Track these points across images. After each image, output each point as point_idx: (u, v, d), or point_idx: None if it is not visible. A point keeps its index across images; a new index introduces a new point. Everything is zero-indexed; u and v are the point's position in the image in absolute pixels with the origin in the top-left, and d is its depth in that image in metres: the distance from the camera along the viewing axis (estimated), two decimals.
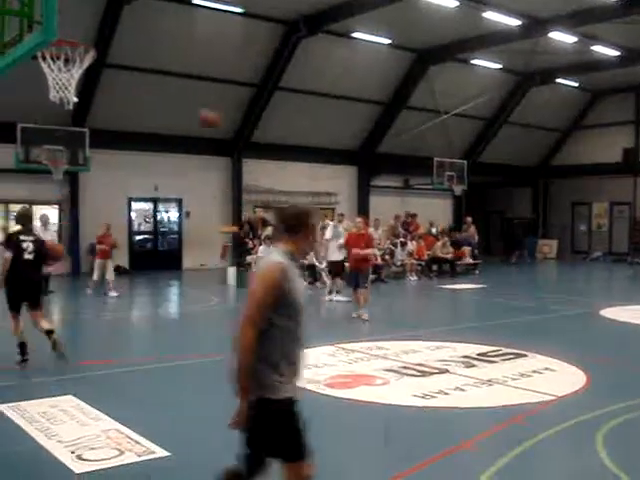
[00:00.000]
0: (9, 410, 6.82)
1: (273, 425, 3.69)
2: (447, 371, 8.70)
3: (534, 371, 8.70)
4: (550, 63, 26.33)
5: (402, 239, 22.57)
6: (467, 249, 24.20)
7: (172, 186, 23.91)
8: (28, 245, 8.90)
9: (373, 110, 27.14)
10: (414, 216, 25.57)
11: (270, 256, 3.81)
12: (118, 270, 19.97)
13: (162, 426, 6.43)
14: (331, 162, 27.45)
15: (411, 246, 22.77)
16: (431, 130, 27.46)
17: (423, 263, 22.83)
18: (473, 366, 9.00)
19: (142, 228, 24.86)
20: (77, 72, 12.39)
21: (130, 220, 24.11)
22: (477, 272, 23.75)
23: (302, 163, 26.54)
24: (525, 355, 9.58)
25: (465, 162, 28.88)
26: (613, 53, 24.26)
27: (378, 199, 28.60)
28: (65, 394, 7.37)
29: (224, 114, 23.63)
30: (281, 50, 22.57)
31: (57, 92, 12.29)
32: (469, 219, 25.83)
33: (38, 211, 20.52)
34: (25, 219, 9.30)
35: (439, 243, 23.45)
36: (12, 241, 8.96)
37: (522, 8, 20.49)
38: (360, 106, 26.43)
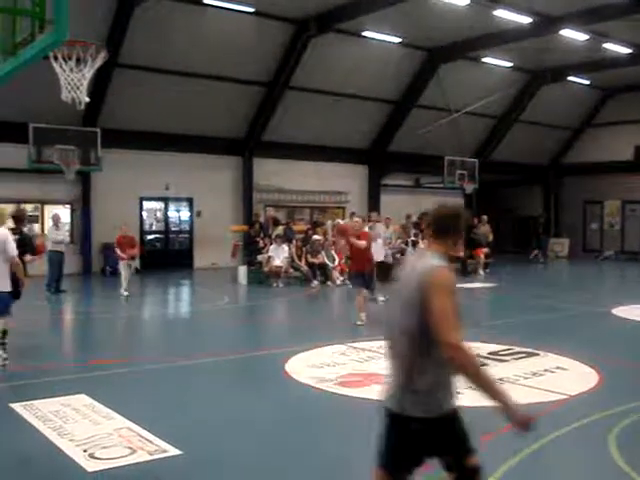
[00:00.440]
0: (22, 409, 6.85)
1: (448, 437, 3.58)
2: None
3: (546, 370, 8.67)
4: (561, 61, 26.22)
5: (413, 238, 22.53)
6: (484, 250, 24.02)
7: (183, 185, 23.96)
8: None
9: (384, 109, 27.11)
10: (425, 215, 25.51)
11: (425, 260, 3.54)
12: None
13: (174, 425, 6.45)
14: (342, 161, 27.43)
15: (422, 245, 22.71)
16: (442, 129, 27.38)
17: None
18: (484, 365, 8.96)
19: (153, 227, 24.94)
20: (89, 72, 12.44)
21: (141, 219, 24.19)
22: (488, 271, 23.68)
23: (313, 162, 26.52)
24: (537, 354, 9.55)
25: (476, 160, 28.79)
26: (624, 51, 24.12)
27: (389, 198, 28.56)
28: (77, 393, 7.40)
29: (234, 114, 23.87)
30: (291, 49, 22.57)
31: (69, 92, 12.35)
32: (484, 217, 25.74)
33: (50, 211, 20.74)
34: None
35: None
36: None
37: (533, 6, 20.40)
38: (370, 105, 26.41)
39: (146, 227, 24.59)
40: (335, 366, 8.90)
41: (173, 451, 5.66)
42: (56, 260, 17.02)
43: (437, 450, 3.57)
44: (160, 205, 25.00)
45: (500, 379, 8.14)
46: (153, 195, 24.23)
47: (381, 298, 15.76)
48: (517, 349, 9.88)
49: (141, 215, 24.19)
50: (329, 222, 22.77)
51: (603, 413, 6.71)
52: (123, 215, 20.61)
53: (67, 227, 21.47)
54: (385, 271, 16.05)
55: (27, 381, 8.25)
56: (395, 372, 3.56)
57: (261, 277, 19.54)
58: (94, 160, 20.73)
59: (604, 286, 22.96)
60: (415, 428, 3.46)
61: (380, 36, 23.07)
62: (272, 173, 25.69)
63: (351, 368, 8.80)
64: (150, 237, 24.77)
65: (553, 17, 21.09)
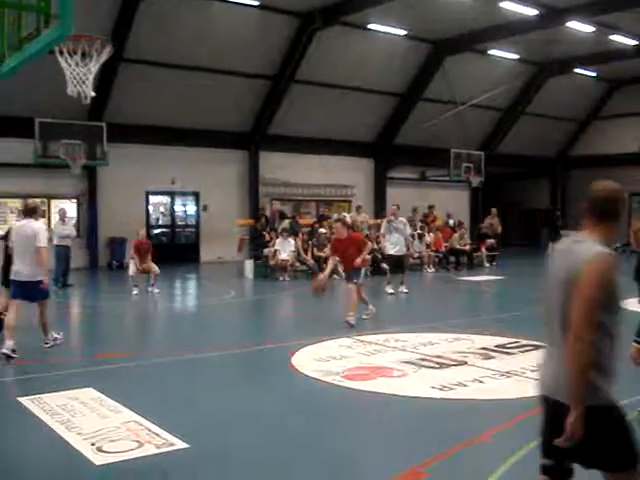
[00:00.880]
0: (30, 403, 6.88)
1: (605, 433, 3.30)
2: (465, 363, 8.68)
3: None
4: (568, 53, 26.15)
5: (419, 231, 22.51)
6: (488, 242, 24.03)
7: (189, 179, 23.99)
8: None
9: (389, 102, 27.06)
10: (431, 208, 25.52)
11: (585, 245, 3.34)
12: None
13: (181, 418, 6.46)
14: (347, 154, 27.41)
15: (428, 238, 22.72)
16: (448, 121, 27.33)
17: (441, 255, 22.79)
18: (491, 358, 8.97)
19: (160, 222, 24.98)
20: (94, 66, 12.44)
21: (148, 214, 24.23)
22: (495, 264, 23.66)
23: (318, 155, 26.51)
24: (543, 346, 9.52)
25: (482, 153, 28.73)
26: (631, 42, 24.03)
27: (395, 191, 28.51)
28: (85, 386, 7.42)
29: (240, 108, 23.85)
30: (297, 42, 22.55)
31: (74, 86, 12.35)
32: (494, 210, 25.72)
33: (56, 205, 20.76)
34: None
35: (456, 235, 23.37)
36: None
37: None
38: (376, 98, 26.37)
39: (152, 221, 24.63)
40: (341, 359, 8.90)
41: (180, 444, 5.68)
42: (63, 254, 17.07)
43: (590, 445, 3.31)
44: (166, 199, 25.03)
45: (507, 372, 8.15)
46: (159, 189, 24.26)
47: (390, 290, 15.80)
48: (524, 342, 9.85)
49: (147, 209, 24.22)
50: (335, 215, 22.75)
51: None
52: (129, 209, 20.69)
53: (73, 222, 21.53)
54: (401, 262, 16.12)
55: (35, 375, 8.27)
56: (555, 359, 3.45)
57: (267, 271, 19.56)
58: (100, 155, 20.79)
59: None
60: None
61: (385, 29, 23.03)
62: (278, 167, 25.69)
63: (357, 361, 8.79)
64: (156, 231, 24.81)
65: (559, 9, 21.02)
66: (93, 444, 5.69)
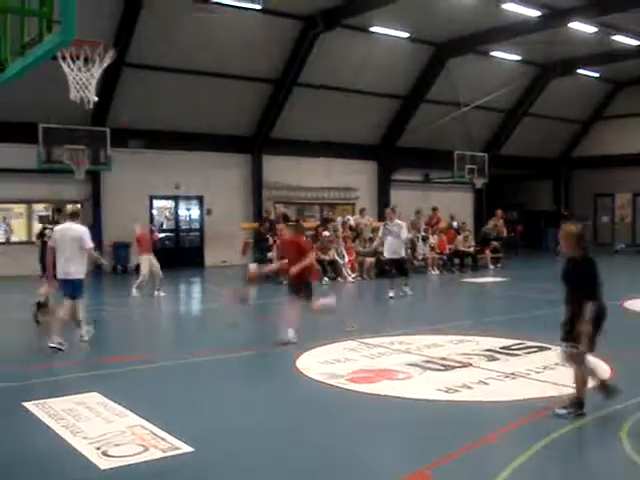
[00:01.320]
0: (35, 407, 6.88)
1: None
2: (470, 365, 8.67)
3: (557, 364, 8.61)
4: (570, 54, 26.14)
5: (424, 233, 22.51)
6: (494, 244, 24.00)
7: (193, 184, 24.02)
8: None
9: (392, 104, 27.06)
10: (435, 210, 25.50)
11: None
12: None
13: (186, 422, 6.46)
14: (351, 157, 27.39)
15: (433, 240, 22.71)
16: (451, 123, 27.33)
17: (445, 257, 22.78)
18: (496, 359, 8.96)
19: (164, 226, 24.99)
20: (97, 71, 12.47)
21: (152, 218, 24.22)
22: (499, 265, 23.62)
23: (322, 158, 26.50)
24: (548, 348, 9.49)
25: (485, 155, 28.70)
26: (634, 43, 24.00)
27: (398, 193, 28.50)
28: (90, 391, 7.42)
29: (243, 111, 23.87)
30: (299, 46, 22.57)
31: (77, 92, 12.38)
32: (498, 212, 25.70)
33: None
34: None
35: (460, 237, 23.36)
36: None
37: None
38: (379, 100, 26.37)
39: (156, 226, 24.61)
40: (346, 362, 8.90)
41: (186, 448, 5.68)
42: None
43: None
44: (170, 203, 25.05)
45: (512, 373, 8.14)
46: (163, 194, 24.29)
47: (391, 294, 15.73)
48: (528, 343, 9.85)
49: (151, 214, 24.23)
50: (339, 219, 22.76)
51: (615, 406, 6.68)
52: (133, 214, 20.65)
53: None
54: (400, 266, 16.05)
55: (40, 380, 8.29)
56: None
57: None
58: (103, 159, 20.84)
59: (615, 279, 22.80)
60: None
61: (388, 31, 23.05)
62: (281, 170, 25.70)
63: (362, 364, 8.79)
64: (160, 235, 24.77)
65: (562, 10, 21.02)
66: (98, 448, 5.69)
